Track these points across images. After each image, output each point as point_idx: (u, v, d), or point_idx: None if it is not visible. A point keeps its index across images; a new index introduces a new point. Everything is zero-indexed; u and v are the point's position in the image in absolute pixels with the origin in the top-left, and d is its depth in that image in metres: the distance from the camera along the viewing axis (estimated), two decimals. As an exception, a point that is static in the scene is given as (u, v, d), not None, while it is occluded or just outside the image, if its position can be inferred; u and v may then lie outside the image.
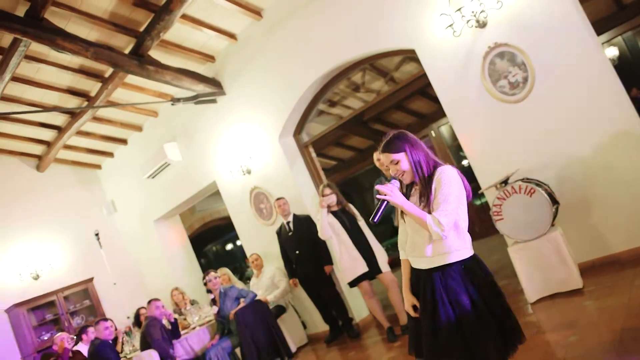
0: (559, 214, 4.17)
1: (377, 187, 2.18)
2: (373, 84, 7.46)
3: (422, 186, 2.20)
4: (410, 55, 5.83)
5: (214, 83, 6.39)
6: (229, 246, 17.45)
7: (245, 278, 10.22)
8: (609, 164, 3.97)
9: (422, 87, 7.74)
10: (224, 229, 11.74)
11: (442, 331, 2.10)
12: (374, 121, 8.77)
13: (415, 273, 2.33)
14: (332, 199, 4.84)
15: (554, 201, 4.04)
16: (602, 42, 7.84)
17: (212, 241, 14.19)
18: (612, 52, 8.49)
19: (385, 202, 2.16)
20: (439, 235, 2.08)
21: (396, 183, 2.21)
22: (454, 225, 2.15)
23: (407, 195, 2.30)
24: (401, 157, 2.24)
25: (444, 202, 2.10)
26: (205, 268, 8.87)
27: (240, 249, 17.72)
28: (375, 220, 2.19)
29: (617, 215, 3.99)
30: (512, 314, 2.18)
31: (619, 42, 8.52)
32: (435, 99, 8.30)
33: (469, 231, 2.24)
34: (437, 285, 2.15)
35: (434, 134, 8.70)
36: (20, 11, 5.03)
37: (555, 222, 4.16)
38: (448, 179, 2.13)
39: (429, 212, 2.12)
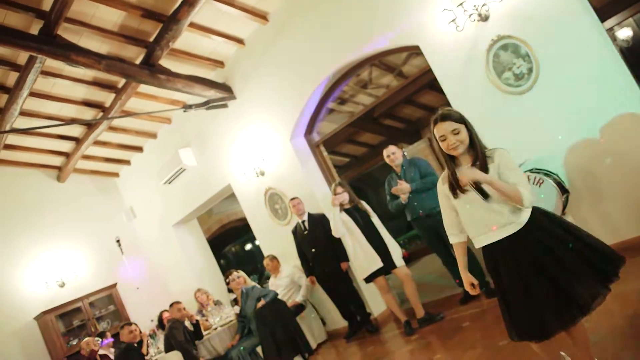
0: (569, 203, 4.20)
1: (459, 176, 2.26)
2: (381, 79, 7.53)
3: (481, 160, 2.27)
4: (415, 52, 5.89)
5: (225, 88, 6.52)
6: (248, 246, 17.65)
7: (264, 277, 10.38)
8: (617, 150, 3.99)
9: (430, 81, 7.76)
10: (241, 230, 11.90)
11: (564, 273, 2.14)
12: (385, 117, 8.83)
13: (490, 249, 2.29)
14: (344, 197, 4.93)
15: (564, 190, 4.07)
16: (613, 25, 7.76)
17: (231, 242, 14.39)
18: (626, 33, 8.39)
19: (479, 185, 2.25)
20: (530, 203, 2.21)
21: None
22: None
23: (454, 171, 2.34)
24: (461, 127, 2.29)
25: (520, 177, 2.24)
26: (225, 269, 9.03)
27: (259, 248, 17.94)
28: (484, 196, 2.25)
29: (628, 202, 4.00)
30: (598, 242, 2.25)
31: (630, 24, 8.41)
32: (443, 92, 8.36)
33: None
34: (533, 245, 2.19)
35: (445, 127, 8.69)
36: (35, 29, 5.22)
37: (566, 210, 4.18)
38: (511, 158, 2.28)
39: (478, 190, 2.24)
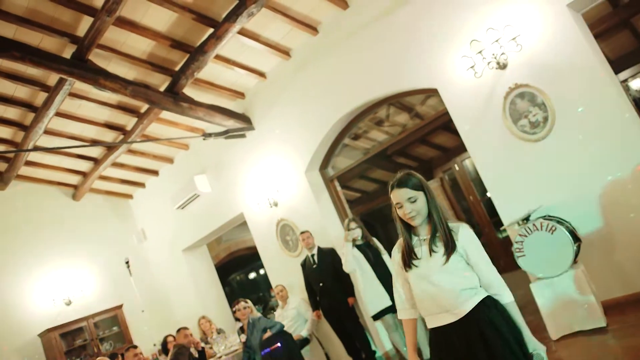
0: (581, 251, 4.23)
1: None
2: (397, 117, 7.66)
3: (443, 232, 2.05)
4: (431, 95, 6.03)
5: (244, 118, 6.68)
6: (252, 275, 17.59)
7: (269, 308, 10.31)
8: (631, 201, 4.04)
9: (445, 122, 7.89)
10: (248, 258, 11.90)
11: None
12: (398, 154, 8.94)
13: (437, 332, 2.10)
14: (357, 233, 4.99)
15: (576, 238, 4.10)
16: (628, 77, 7.90)
17: (237, 270, 14.36)
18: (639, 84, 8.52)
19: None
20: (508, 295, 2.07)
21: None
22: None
23: (410, 241, 2.14)
24: (419, 196, 2.08)
25: (488, 260, 2.10)
26: (229, 297, 9.02)
27: (264, 278, 17.83)
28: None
29: (640, 254, 4.02)
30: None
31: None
32: (457, 133, 8.48)
33: (494, 265, 2.19)
34: (487, 332, 1.99)
35: (457, 168, 8.80)
36: (67, 53, 5.45)
37: (578, 259, 4.21)
38: (476, 237, 2.11)
39: (447, 261, 2.03)
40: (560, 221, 4.17)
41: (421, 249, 2.11)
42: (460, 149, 8.61)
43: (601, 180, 4.13)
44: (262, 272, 17.85)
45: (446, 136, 8.56)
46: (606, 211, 4.15)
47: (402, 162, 9.09)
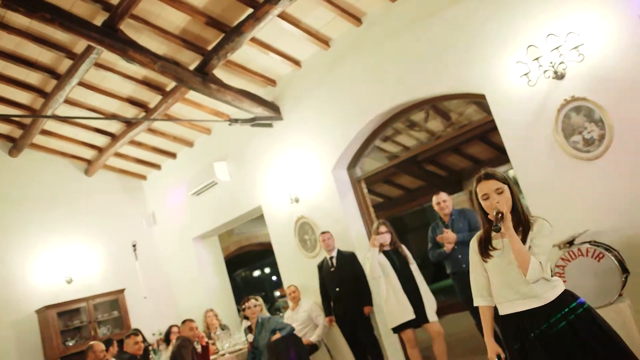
0: (628, 284, 4.06)
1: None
2: (430, 123, 7.53)
3: (523, 225, 2.37)
4: (477, 100, 5.90)
5: (273, 107, 6.61)
6: (257, 273, 17.58)
7: (274, 309, 10.24)
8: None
9: (482, 132, 7.76)
10: (258, 254, 11.88)
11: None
12: (428, 162, 8.81)
13: (513, 318, 2.35)
14: (386, 238, 4.89)
15: (624, 269, 3.94)
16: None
17: (243, 266, 14.35)
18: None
19: (501, 214, 2.32)
20: (533, 279, 2.26)
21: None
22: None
23: (490, 232, 2.46)
24: (505, 187, 2.39)
25: (545, 252, 2.33)
26: (233, 293, 8.94)
27: (269, 277, 17.85)
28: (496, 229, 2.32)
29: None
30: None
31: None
32: (494, 145, 8.34)
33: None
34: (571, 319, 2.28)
35: (489, 182, 8.63)
36: (98, 20, 5.41)
37: (624, 292, 4.05)
38: (549, 232, 2.33)
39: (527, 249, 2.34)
40: (608, 248, 4.01)
41: (502, 240, 2.37)
42: (495, 161, 8.46)
43: (659, 210, 3.97)
44: (267, 270, 17.89)
45: (481, 147, 8.41)
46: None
47: (432, 169, 8.97)
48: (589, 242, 4.07)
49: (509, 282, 2.34)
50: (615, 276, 3.83)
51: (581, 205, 4.34)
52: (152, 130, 7.60)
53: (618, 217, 4.16)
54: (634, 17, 4.01)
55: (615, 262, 3.87)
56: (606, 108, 4.16)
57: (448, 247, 4.85)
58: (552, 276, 2.36)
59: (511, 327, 2.35)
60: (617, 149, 4.16)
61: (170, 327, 6.78)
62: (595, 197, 4.29)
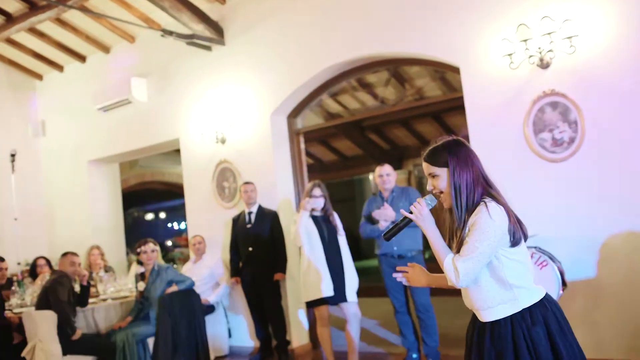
0: (562, 299, 4.26)
1: (415, 204, 2.17)
2: (386, 89, 7.46)
3: (457, 218, 2.13)
4: (445, 73, 5.87)
5: (216, 28, 6.21)
6: (150, 216, 17.08)
7: (167, 260, 9.95)
8: (636, 263, 4.09)
9: (439, 111, 7.83)
10: (160, 194, 11.44)
11: None
12: (372, 130, 8.79)
13: (472, 318, 2.26)
14: (320, 202, 4.78)
15: (563, 282, 4.11)
16: None
17: (140, 205, 13.80)
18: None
19: (408, 220, 2.17)
20: (452, 283, 2.07)
21: (432, 201, 2.19)
22: (495, 276, 2.10)
23: (452, 223, 2.21)
24: (442, 172, 2.15)
25: (469, 249, 2.03)
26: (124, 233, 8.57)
27: (164, 223, 17.41)
28: (387, 237, 2.23)
29: (624, 320, 4.10)
30: None
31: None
32: (446, 127, 8.47)
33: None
34: (485, 346, 2.11)
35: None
36: None
37: (557, 304, 4.24)
38: (483, 222, 2.03)
39: (458, 252, 2.09)
40: (552, 257, 4.16)
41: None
42: (442, 145, 8.60)
43: (615, 227, 4.15)
44: (162, 215, 17.43)
45: (432, 126, 8.51)
46: (605, 264, 4.20)
47: (374, 139, 8.97)
48: (535, 248, 4.20)
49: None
50: (553, 288, 3.99)
51: (535, 207, 4.43)
52: (61, 22, 6.89)
53: (569, 228, 4.32)
54: (637, 23, 4.08)
55: (557, 273, 4.02)
56: (584, 111, 4.26)
57: (382, 225, 4.83)
58: (515, 284, 2.09)
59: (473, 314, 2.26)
60: (583, 155, 4.29)
61: (36, 259, 6.38)
62: (550, 201, 4.42)
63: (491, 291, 2.10)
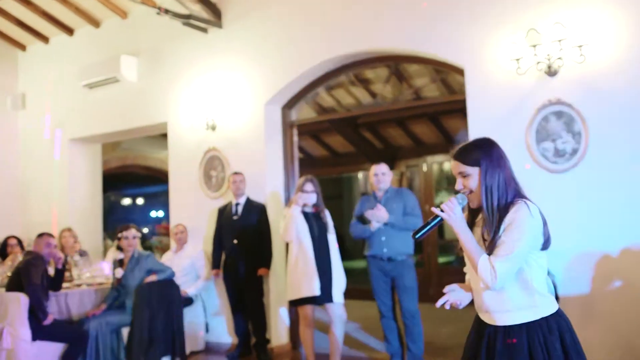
0: (553, 312, 4.31)
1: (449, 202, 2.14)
2: (385, 86, 7.46)
3: (487, 219, 2.12)
4: (447, 74, 5.89)
5: (214, 10, 6.17)
6: (127, 201, 16.93)
7: (145, 247, 9.88)
8: (631, 279, 4.14)
9: (435, 112, 7.86)
10: (141, 179, 11.33)
11: None
12: (367, 128, 8.79)
13: (476, 323, 2.27)
14: (312, 198, 4.77)
15: (556, 296, 4.15)
16: None
17: (118, 189, 13.67)
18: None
19: (440, 219, 2.14)
20: (487, 284, 2.05)
21: (463, 200, 2.18)
22: (520, 278, 2.11)
23: (471, 224, 2.24)
24: (473, 172, 2.15)
25: (509, 248, 2.03)
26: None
27: (142, 210, 17.26)
28: (418, 237, 2.16)
29: (619, 337, 4.15)
30: None
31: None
32: (443, 130, 8.50)
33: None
34: (497, 349, 2.11)
35: (425, 168, 8.84)
36: None
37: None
38: (523, 220, 2.05)
39: (489, 253, 2.08)
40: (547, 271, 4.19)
41: (475, 229, 2.29)
42: (436, 148, 8.65)
43: (612, 244, 4.20)
44: (140, 202, 17.29)
45: (429, 128, 8.53)
46: (599, 280, 4.24)
47: (368, 137, 8.97)
48: (529, 259, 4.24)
49: (475, 287, 2.23)
50: (545, 301, 4.03)
51: (531, 217, 4.47)
52: (50, -11, 6.81)
53: (565, 242, 4.32)
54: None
55: (551, 285, 4.05)
56: (588, 123, 4.29)
57: (374, 225, 4.84)
58: (538, 290, 2.13)
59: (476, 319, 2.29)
60: (584, 168, 4.33)
61: (7, 238, 6.32)
62: (546, 212, 4.39)
63: (513, 294, 2.11)
